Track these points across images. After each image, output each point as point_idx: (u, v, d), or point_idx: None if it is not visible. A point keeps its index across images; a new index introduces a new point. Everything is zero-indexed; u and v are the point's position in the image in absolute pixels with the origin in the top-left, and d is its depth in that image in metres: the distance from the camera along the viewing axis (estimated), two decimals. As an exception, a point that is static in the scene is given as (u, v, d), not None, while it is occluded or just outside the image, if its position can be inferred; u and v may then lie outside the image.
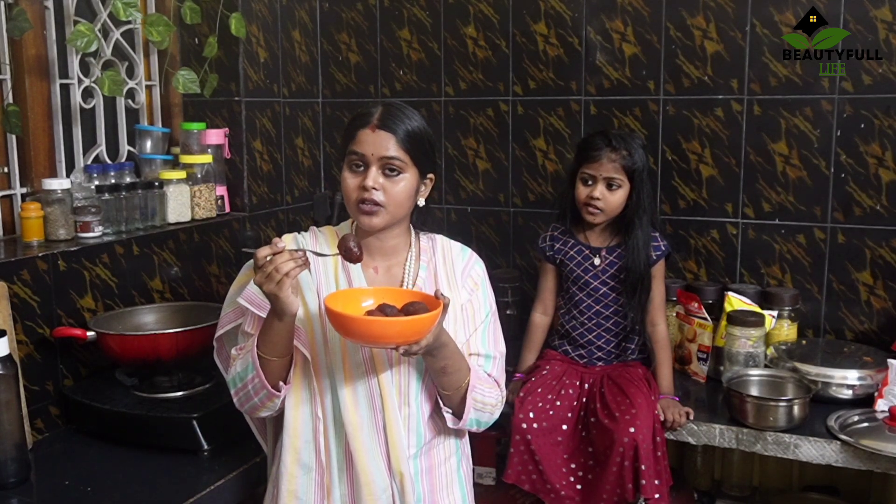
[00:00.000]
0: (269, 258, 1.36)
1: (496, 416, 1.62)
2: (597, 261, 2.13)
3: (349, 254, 1.44)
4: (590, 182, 2.08)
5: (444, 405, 1.57)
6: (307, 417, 1.54)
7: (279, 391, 1.50)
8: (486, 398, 1.57)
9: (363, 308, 1.46)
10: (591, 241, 2.15)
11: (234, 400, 1.56)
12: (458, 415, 1.56)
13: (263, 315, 1.50)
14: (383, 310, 1.42)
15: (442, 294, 1.42)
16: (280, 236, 1.45)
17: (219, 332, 1.67)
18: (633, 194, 2.07)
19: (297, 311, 1.42)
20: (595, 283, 2.12)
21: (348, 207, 1.55)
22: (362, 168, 1.51)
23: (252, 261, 1.60)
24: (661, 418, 1.97)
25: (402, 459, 1.52)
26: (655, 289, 2.13)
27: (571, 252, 2.15)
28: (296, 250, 1.39)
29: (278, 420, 1.64)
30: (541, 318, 2.23)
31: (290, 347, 1.49)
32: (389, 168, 1.50)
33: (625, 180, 2.06)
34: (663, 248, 2.12)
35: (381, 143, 1.49)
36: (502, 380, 1.65)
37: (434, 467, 1.59)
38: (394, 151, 1.49)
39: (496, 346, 1.65)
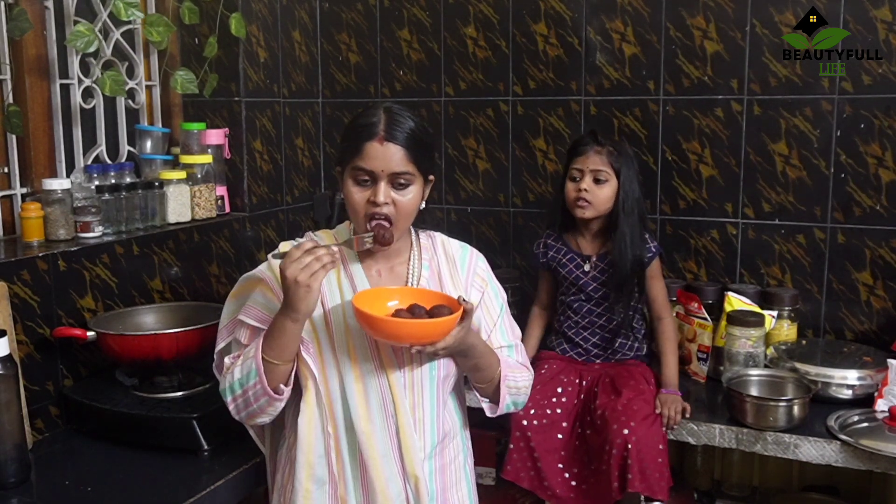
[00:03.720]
0: (308, 250, 1.38)
1: (528, 395, 1.70)
2: (587, 267, 2.17)
3: (381, 239, 1.49)
4: (577, 178, 2.12)
5: (481, 396, 1.64)
6: (319, 432, 1.53)
7: (280, 395, 1.49)
8: (519, 382, 1.65)
9: (389, 308, 1.49)
10: (582, 249, 2.19)
11: (231, 408, 1.54)
12: (495, 401, 1.62)
13: (265, 328, 1.50)
14: (412, 310, 1.46)
15: (465, 300, 1.45)
16: (280, 237, 1.45)
17: (220, 346, 1.64)
18: (619, 192, 2.09)
19: (314, 311, 1.43)
20: (587, 289, 2.17)
21: (355, 221, 1.54)
22: (369, 182, 1.50)
23: (249, 273, 1.61)
24: (658, 411, 1.97)
25: (416, 462, 1.52)
26: (656, 286, 2.16)
27: (563, 259, 2.20)
28: (326, 245, 1.41)
29: (277, 427, 1.65)
30: (541, 312, 2.31)
31: (295, 351, 1.48)
32: (398, 182, 1.49)
33: (612, 175, 2.09)
34: (654, 250, 2.15)
35: (390, 158, 1.47)
36: (528, 361, 1.72)
37: (446, 466, 1.61)
38: (403, 166, 1.48)
39: (513, 333, 1.71)
